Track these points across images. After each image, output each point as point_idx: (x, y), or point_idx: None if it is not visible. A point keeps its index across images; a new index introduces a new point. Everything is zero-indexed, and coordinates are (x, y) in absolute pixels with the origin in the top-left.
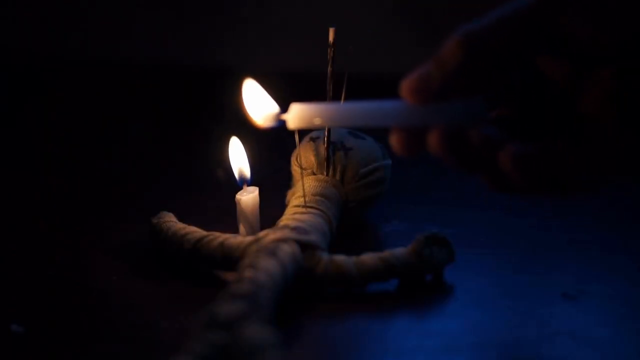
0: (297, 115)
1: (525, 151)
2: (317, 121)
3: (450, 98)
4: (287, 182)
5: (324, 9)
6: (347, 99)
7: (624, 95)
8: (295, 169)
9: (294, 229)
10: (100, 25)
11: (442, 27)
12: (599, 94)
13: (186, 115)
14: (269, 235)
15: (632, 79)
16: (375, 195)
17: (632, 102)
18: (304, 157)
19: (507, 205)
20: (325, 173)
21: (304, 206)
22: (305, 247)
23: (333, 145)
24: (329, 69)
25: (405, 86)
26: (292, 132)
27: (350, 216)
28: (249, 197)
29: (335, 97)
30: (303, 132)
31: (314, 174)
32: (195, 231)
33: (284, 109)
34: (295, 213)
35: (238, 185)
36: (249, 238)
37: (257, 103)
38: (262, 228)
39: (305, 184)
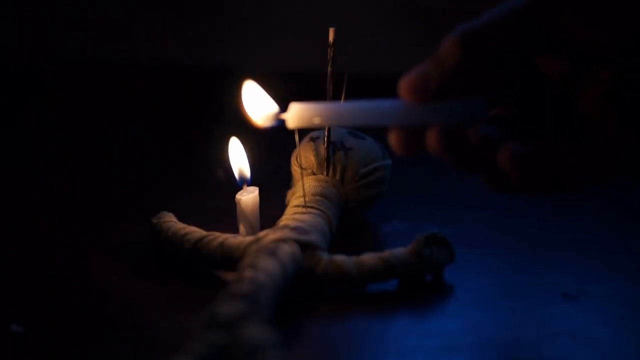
0: (296, 114)
1: (524, 151)
2: (317, 120)
3: (448, 97)
4: (287, 182)
5: (324, 9)
6: (347, 98)
7: (623, 94)
8: (295, 169)
9: (294, 229)
10: (100, 25)
11: (442, 26)
12: (598, 94)
13: (186, 115)
14: (269, 235)
15: (631, 79)
16: (375, 195)
17: (631, 102)
18: (304, 157)
19: (507, 205)
20: (325, 173)
21: (304, 206)
22: (305, 247)
23: (333, 145)
24: (329, 69)
25: (404, 85)
26: (292, 132)
27: (350, 216)
28: (249, 197)
29: (335, 97)
30: (303, 132)
31: (314, 174)
32: (195, 231)
33: (284, 108)
34: (295, 213)
35: (238, 185)
36: (249, 238)
37: (257, 103)
38: (262, 228)
39: (305, 184)
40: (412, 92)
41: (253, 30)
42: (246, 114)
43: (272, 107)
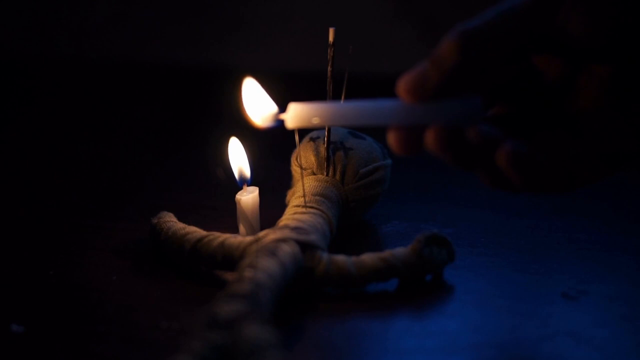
0: (295, 115)
1: (521, 149)
2: (316, 121)
3: (447, 97)
4: (287, 182)
5: (324, 9)
6: (347, 98)
7: (620, 91)
8: (295, 169)
9: (294, 229)
10: (99, 25)
11: (443, 26)
12: (595, 91)
13: (186, 115)
14: (269, 235)
15: (628, 75)
16: (375, 195)
17: (628, 98)
18: (304, 157)
19: (507, 205)
20: (325, 173)
21: (304, 206)
22: (305, 247)
23: (333, 145)
24: (329, 69)
25: (402, 85)
26: (292, 132)
27: (350, 216)
28: (249, 197)
29: (335, 97)
30: (303, 132)
31: (314, 174)
32: (195, 231)
33: (283, 108)
34: (295, 213)
35: (238, 185)
36: (249, 238)
37: (256, 103)
38: (262, 228)
39: (305, 184)
40: (409, 92)
41: (253, 30)
42: (245, 114)
43: (271, 107)
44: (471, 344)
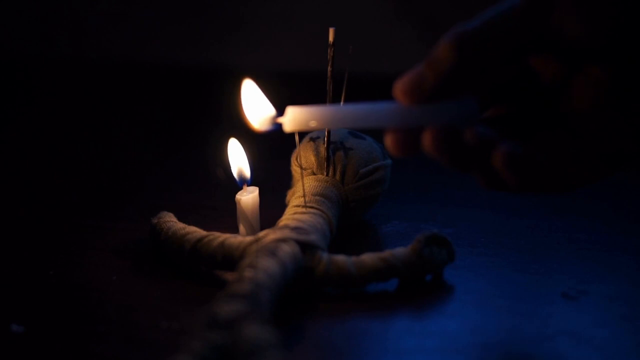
0: (293, 118)
1: (517, 150)
2: (313, 124)
3: (443, 98)
4: (287, 182)
5: (324, 9)
6: (346, 99)
7: (619, 91)
8: (295, 169)
9: (294, 229)
10: (99, 25)
11: (443, 26)
12: (592, 91)
13: (186, 115)
14: (269, 235)
15: (627, 75)
16: (375, 195)
17: (627, 98)
18: (304, 157)
19: (507, 205)
20: (325, 173)
21: (304, 206)
22: (305, 247)
23: (333, 145)
24: (329, 69)
25: (398, 88)
26: (291, 133)
27: (350, 216)
28: (249, 197)
29: (335, 97)
30: (303, 132)
31: (314, 174)
32: (195, 231)
33: (282, 110)
34: (295, 213)
35: (238, 185)
36: (249, 238)
37: (254, 106)
38: (262, 228)
39: (305, 184)
40: (406, 94)
41: (253, 30)
42: (244, 117)
43: (269, 110)
44: (471, 344)
